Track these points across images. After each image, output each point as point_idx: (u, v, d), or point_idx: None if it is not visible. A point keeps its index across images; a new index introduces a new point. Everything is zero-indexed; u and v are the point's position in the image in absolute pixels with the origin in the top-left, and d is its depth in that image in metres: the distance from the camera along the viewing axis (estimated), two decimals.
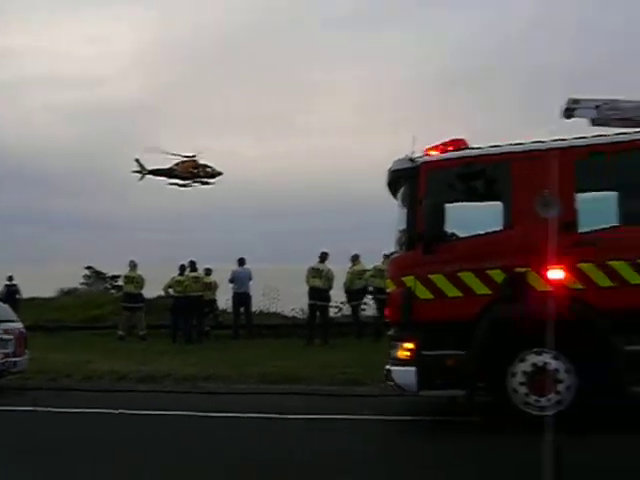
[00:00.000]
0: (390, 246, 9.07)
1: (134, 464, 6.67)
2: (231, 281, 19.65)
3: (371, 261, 18.18)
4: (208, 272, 20.28)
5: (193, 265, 19.90)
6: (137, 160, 37.11)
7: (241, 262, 19.86)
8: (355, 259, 18.59)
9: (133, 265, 20.48)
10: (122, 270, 21.81)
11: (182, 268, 19.94)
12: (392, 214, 8.88)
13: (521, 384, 7.60)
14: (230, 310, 20.33)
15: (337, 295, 18.86)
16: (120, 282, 23.84)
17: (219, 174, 37.69)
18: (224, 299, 20.72)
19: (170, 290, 19.85)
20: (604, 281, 7.64)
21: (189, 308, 19.08)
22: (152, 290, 21.40)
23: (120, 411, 9.54)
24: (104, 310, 21.81)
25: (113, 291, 28.43)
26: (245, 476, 6.28)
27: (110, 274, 31.72)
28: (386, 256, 14.13)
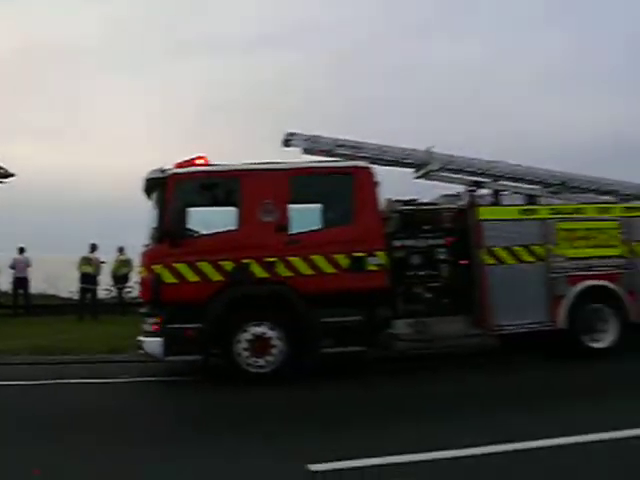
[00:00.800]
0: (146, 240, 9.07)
1: None
2: (12, 267, 18.79)
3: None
4: None
5: None
6: None
7: (21, 250, 19.04)
8: (121, 250, 18.77)
9: None
10: None
11: None
12: (147, 214, 8.95)
13: (244, 349, 8.04)
14: (10, 292, 19.32)
15: (106, 280, 18.80)
16: None
17: (11, 175, 35.12)
18: (5, 282, 19.60)
19: None
20: (307, 270, 8.33)
21: None
22: None
23: None
24: None
25: None
26: None
27: None
28: None
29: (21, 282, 18.75)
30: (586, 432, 5.06)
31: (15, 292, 18.88)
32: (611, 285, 9.45)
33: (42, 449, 5.31)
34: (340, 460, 4.55)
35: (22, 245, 19.24)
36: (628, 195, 10.47)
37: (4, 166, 34.50)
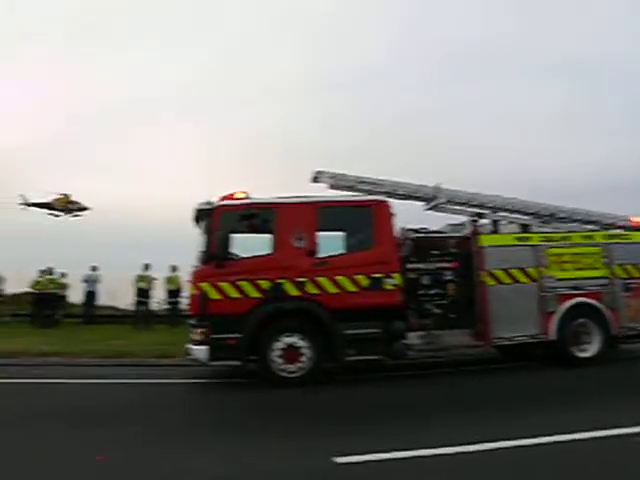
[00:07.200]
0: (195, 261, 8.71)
1: None
2: (84, 281, 18.33)
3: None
4: (63, 275, 18.68)
5: (50, 270, 18.39)
6: (21, 195, 33.86)
7: (94, 268, 18.61)
8: (174, 268, 17.98)
9: None
10: None
11: (42, 271, 18.28)
12: (196, 239, 8.58)
13: (278, 357, 7.72)
14: (80, 303, 18.81)
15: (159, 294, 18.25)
16: None
17: (87, 209, 35.48)
18: (78, 295, 18.89)
19: (32, 288, 18.15)
20: (332, 289, 7.97)
21: (46, 301, 17.54)
22: (18, 287, 19.45)
23: None
24: None
25: None
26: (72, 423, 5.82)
27: None
28: None
29: (90, 295, 18.31)
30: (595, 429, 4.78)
31: (87, 303, 18.42)
32: (595, 302, 8.95)
33: (104, 437, 5.19)
34: (363, 454, 4.32)
35: (94, 264, 18.82)
36: (609, 225, 9.97)
37: (81, 201, 34.99)
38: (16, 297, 19.43)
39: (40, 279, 18.11)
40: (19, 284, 19.32)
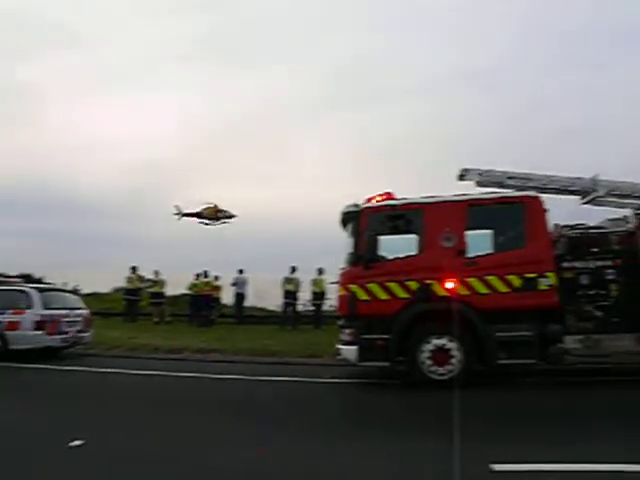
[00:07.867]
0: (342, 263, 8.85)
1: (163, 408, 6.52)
2: (233, 284, 19.32)
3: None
4: (217, 278, 19.90)
5: (205, 273, 19.70)
6: (176, 206, 37.10)
7: (241, 271, 19.55)
8: (320, 271, 18.10)
9: (157, 272, 19.98)
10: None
11: (198, 275, 19.67)
12: (343, 242, 8.71)
13: (427, 358, 7.63)
14: (230, 305, 19.98)
15: (305, 296, 18.59)
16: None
17: (234, 216, 37.74)
18: (228, 297, 20.03)
19: (189, 290, 19.63)
20: (482, 289, 7.71)
21: (202, 303, 18.86)
22: (177, 289, 21.03)
23: (154, 372, 9.43)
24: (145, 302, 20.95)
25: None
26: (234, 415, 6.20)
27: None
28: None
29: (240, 297, 19.28)
30: None
31: (237, 304, 19.40)
32: None
33: (266, 431, 5.38)
34: (520, 463, 4.12)
35: (241, 267, 19.77)
36: None
37: (228, 209, 37.31)
38: (175, 299, 21.05)
39: (196, 282, 19.49)
40: (178, 287, 20.91)
